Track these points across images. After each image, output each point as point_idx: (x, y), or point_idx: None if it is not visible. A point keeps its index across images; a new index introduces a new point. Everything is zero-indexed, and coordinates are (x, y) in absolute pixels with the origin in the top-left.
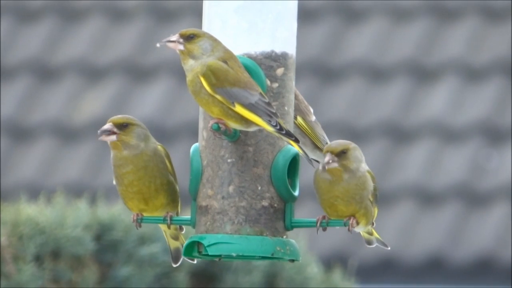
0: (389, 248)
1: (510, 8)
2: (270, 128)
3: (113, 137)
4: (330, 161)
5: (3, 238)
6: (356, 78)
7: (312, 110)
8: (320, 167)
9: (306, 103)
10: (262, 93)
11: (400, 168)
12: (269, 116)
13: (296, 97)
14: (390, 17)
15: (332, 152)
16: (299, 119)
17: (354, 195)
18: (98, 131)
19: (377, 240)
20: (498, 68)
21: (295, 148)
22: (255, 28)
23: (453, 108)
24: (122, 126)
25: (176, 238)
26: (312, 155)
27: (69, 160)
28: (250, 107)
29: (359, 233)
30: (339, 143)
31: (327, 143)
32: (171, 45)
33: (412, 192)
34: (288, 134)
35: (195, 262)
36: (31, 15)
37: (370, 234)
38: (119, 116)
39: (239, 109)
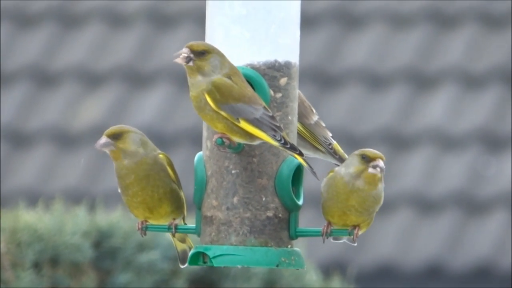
0: (355, 244)
1: (510, 15)
2: (275, 143)
3: (112, 147)
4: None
5: (1, 245)
6: (355, 85)
7: (314, 111)
8: (350, 171)
9: (306, 104)
10: (266, 106)
11: (398, 176)
12: (274, 130)
13: None
14: (389, 24)
15: (382, 159)
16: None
17: (369, 207)
18: (95, 145)
19: (348, 237)
20: (497, 75)
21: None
22: (258, 37)
23: (452, 115)
24: (117, 135)
25: (183, 240)
26: (317, 156)
27: (68, 167)
28: (255, 123)
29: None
30: (378, 152)
31: (329, 144)
32: (179, 60)
33: (411, 200)
34: (292, 148)
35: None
36: (30, 20)
37: None
38: (112, 127)
39: (244, 124)
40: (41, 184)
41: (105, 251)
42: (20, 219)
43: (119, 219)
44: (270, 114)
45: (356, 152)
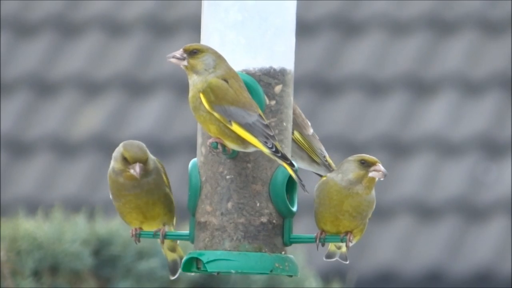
0: (347, 262)
1: (510, 21)
2: (265, 150)
3: (138, 170)
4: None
5: (1, 253)
6: (354, 92)
7: (309, 124)
8: (350, 177)
9: (303, 116)
10: (262, 115)
11: (398, 182)
12: (266, 137)
13: (293, 111)
14: (388, 31)
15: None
16: (296, 133)
17: (362, 211)
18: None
19: (341, 254)
20: (496, 81)
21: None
22: (253, 43)
23: (451, 121)
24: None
25: (173, 250)
26: (310, 168)
27: (67, 175)
28: (247, 127)
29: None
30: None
31: (324, 156)
32: (174, 61)
33: (411, 206)
34: (283, 157)
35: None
36: (29, 29)
37: (339, 248)
38: (139, 152)
39: (235, 127)
40: (40, 192)
41: (105, 259)
42: (19, 228)
43: (119, 227)
44: (265, 123)
45: (351, 158)
